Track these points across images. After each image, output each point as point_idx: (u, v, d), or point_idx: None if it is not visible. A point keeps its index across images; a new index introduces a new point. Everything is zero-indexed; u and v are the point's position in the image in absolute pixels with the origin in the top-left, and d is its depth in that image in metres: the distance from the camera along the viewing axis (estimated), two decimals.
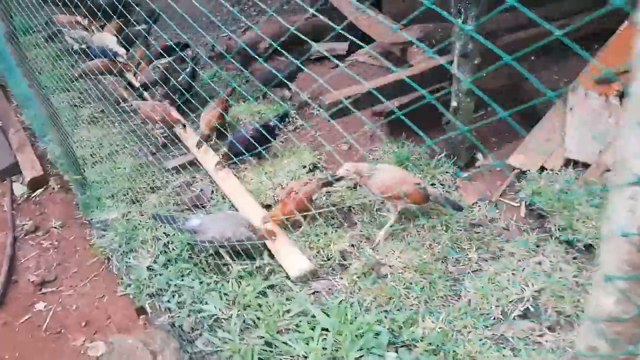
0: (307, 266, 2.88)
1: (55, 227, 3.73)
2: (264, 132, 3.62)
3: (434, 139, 3.20)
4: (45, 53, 5.90)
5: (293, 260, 2.93)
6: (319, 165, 3.77)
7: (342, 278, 2.88)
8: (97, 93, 4.87)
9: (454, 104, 3.37)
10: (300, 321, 2.58)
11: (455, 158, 3.59)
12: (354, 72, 5.00)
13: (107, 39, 5.35)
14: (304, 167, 3.71)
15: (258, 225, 3.02)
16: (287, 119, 3.92)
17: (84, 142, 4.38)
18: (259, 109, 4.46)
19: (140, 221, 3.40)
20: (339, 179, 3.36)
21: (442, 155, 3.63)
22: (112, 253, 3.27)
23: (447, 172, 3.54)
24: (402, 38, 4.12)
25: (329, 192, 3.49)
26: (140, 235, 3.30)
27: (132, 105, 4.28)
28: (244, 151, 3.67)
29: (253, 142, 3.61)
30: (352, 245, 3.03)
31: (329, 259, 2.99)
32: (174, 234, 3.29)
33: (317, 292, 2.83)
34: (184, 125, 4.15)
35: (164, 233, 3.31)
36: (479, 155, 3.67)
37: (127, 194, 3.71)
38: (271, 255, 3.02)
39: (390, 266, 2.86)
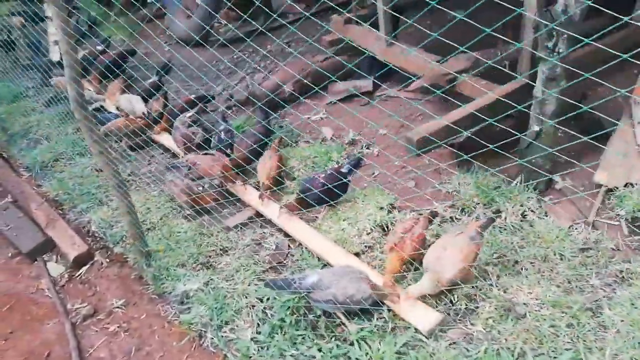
0: (437, 317, 2.67)
1: (118, 307, 3.34)
2: (337, 179, 3.47)
3: (505, 166, 3.18)
4: (48, 118, 5.52)
5: (419, 312, 2.71)
6: (395, 205, 3.59)
7: (473, 324, 2.69)
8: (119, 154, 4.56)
9: (535, 128, 3.32)
10: None
11: (534, 183, 3.51)
12: (388, 108, 4.94)
13: (133, 99, 5.04)
14: (381, 208, 3.53)
15: (374, 280, 2.78)
16: (360, 165, 3.73)
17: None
18: (308, 154, 4.27)
19: (226, 288, 3.09)
20: (435, 215, 3.22)
21: (517, 181, 3.55)
22: (204, 328, 2.93)
23: (530, 198, 3.45)
24: (451, 69, 4.08)
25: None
26: (232, 304, 2.99)
27: (185, 161, 3.96)
28: (316, 200, 3.49)
29: (327, 188, 3.45)
30: (474, 287, 2.84)
31: (453, 304, 2.79)
32: (268, 298, 3.00)
33: (454, 342, 2.61)
34: (245, 181, 3.88)
35: (257, 299, 3.02)
36: (557, 178, 3.61)
37: (197, 259, 3.39)
38: (387, 308, 2.79)
39: (524, 304, 2.69)
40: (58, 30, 2.46)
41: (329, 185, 3.44)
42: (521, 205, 3.37)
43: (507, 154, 2.82)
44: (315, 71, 5.22)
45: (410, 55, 4.55)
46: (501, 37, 2.24)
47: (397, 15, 4.69)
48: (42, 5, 8.44)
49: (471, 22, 2.18)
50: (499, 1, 2.03)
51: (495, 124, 2.50)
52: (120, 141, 4.82)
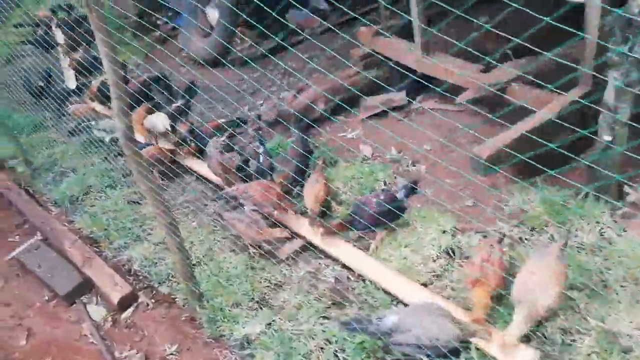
0: (534, 354, 2.43)
1: (172, 354, 3.12)
2: (391, 205, 3.25)
3: (571, 179, 2.96)
4: (72, 148, 5.34)
5: (504, 349, 2.47)
6: (458, 227, 3.37)
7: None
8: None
9: (606, 137, 3.10)
10: None
11: (605, 197, 3.28)
12: (424, 121, 4.73)
13: (158, 120, 4.82)
14: (444, 232, 3.30)
15: (459, 317, 2.55)
16: (416, 192, 3.49)
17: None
18: (351, 174, 4.05)
19: (291, 329, 2.86)
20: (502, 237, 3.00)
21: (582, 195, 3.32)
22: None
23: (603, 213, 3.22)
24: (500, 78, 3.87)
25: None
26: (299, 347, 2.77)
27: (234, 190, 3.71)
28: (370, 222, 3.27)
29: (382, 211, 3.22)
30: (566, 317, 2.61)
31: (546, 337, 2.56)
32: (337, 340, 2.78)
33: None
34: (295, 212, 3.65)
35: (326, 340, 2.79)
36: (627, 189, 3.38)
37: (252, 297, 3.17)
38: (475, 347, 2.56)
39: (628, 335, 2.45)
40: (106, 66, 2.26)
41: (388, 206, 3.20)
42: (597, 222, 3.14)
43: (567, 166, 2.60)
44: (346, 87, 5.02)
45: (450, 65, 4.36)
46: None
47: (426, 28, 4.50)
48: (51, 32, 8.35)
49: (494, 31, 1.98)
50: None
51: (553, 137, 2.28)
52: (152, 171, 4.60)
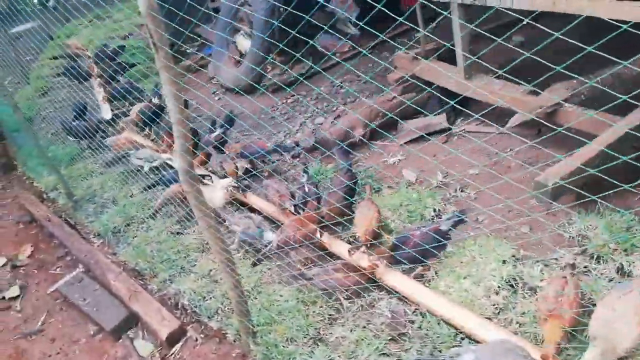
0: None
1: None
2: (434, 238, 3.13)
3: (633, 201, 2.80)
4: (111, 179, 5.36)
5: None
6: (518, 255, 3.23)
7: None
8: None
9: None
10: None
11: None
12: (466, 145, 4.62)
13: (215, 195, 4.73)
14: (504, 262, 3.17)
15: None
16: (464, 223, 3.37)
17: (216, 276, 3.73)
18: (399, 200, 3.95)
19: None
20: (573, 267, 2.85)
21: None
22: None
23: None
24: (548, 101, 3.76)
25: None
26: None
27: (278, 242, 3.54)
28: (409, 260, 3.16)
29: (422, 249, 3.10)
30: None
31: None
32: None
33: None
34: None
35: None
36: None
37: (307, 332, 3.06)
38: None
39: None
40: (171, 105, 2.24)
41: (425, 246, 3.08)
42: None
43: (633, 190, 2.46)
44: (384, 112, 4.96)
45: (495, 87, 4.27)
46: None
47: (468, 56, 4.43)
48: (81, 62, 8.53)
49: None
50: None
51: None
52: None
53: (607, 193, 2.10)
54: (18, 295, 4.48)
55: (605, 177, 2.08)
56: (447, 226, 3.29)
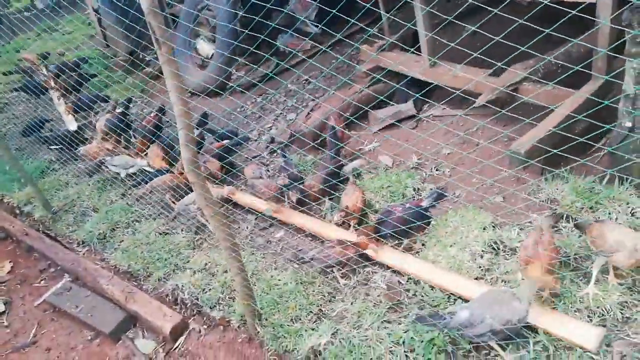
0: (600, 332, 2.55)
1: None
2: (417, 213, 3.37)
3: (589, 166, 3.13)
4: (87, 189, 5.32)
5: (577, 329, 2.58)
6: (496, 222, 3.50)
7: (637, 332, 2.57)
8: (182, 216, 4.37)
9: (627, 124, 3.31)
10: None
11: (628, 179, 3.48)
12: (435, 128, 4.90)
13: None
14: (484, 228, 3.43)
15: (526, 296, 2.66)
16: (443, 198, 3.61)
17: (212, 269, 3.82)
18: (380, 183, 4.16)
19: (357, 336, 2.92)
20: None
21: (607, 178, 3.51)
22: None
23: (631, 194, 3.40)
24: (509, 81, 4.08)
25: None
26: (368, 352, 2.82)
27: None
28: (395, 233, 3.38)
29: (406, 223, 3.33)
30: (620, 294, 2.74)
31: (607, 313, 2.68)
32: (404, 341, 2.84)
33: (624, 355, 2.49)
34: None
35: (394, 343, 2.85)
36: None
37: (310, 310, 3.21)
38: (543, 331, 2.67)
39: None
40: (180, 124, 2.36)
41: (413, 220, 3.31)
42: (627, 204, 3.32)
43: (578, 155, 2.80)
44: (354, 103, 5.18)
45: (459, 72, 4.56)
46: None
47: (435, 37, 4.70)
48: (39, 77, 8.34)
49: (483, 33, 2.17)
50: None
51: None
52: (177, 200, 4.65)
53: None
54: (3, 312, 4.40)
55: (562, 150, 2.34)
56: (429, 202, 3.52)
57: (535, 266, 2.73)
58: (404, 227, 3.29)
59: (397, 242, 3.46)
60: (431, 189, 3.91)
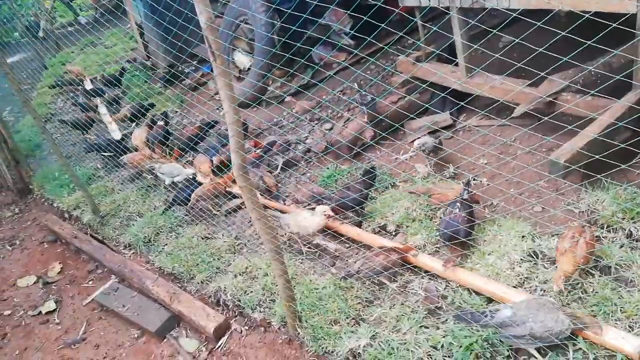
0: None
1: None
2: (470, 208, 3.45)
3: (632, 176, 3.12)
4: (132, 195, 5.56)
5: (618, 338, 2.59)
6: (535, 232, 3.51)
7: None
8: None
9: None
10: None
11: None
12: (471, 138, 4.93)
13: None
14: (523, 237, 3.45)
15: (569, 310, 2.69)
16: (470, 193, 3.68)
17: (253, 272, 3.95)
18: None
19: (396, 340, 2.99)
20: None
21: None
22: None
23: None
24: (549, 90, 4.10)
25: None
26: (407, 356, 2.89)
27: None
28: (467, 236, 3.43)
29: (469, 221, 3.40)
30: None
31: None
32: (443, 345, 2.89)
33: None
34: None
35: (432, 347, 2.91)
36: None
37: (348, 314, 3.30)
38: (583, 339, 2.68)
39: None
40: (227, 107, 2.51)
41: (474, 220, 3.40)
42: None
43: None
44: (390, 113, 5.27)
45: (496, 83, 4.60)
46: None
47: (472, 46, 4.77)
48: (83, 89, 8.76)
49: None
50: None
51: None
52: (220, 207, 4.84)
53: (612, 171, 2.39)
54: (54, 310, 4.64)
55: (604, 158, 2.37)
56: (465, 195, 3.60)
57: (569, 259, 2.77)
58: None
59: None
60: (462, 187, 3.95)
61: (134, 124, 7.19)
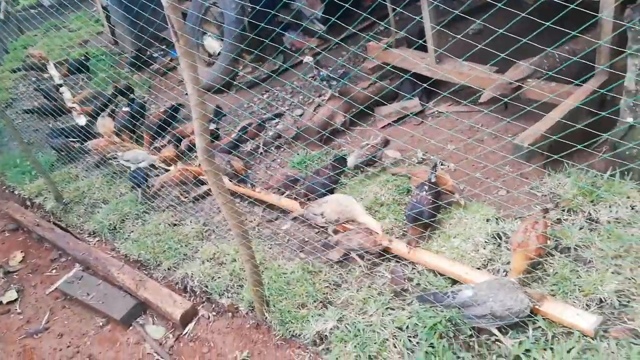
0: (597, 318, 2.63)
1: (245, 359, 3.22)
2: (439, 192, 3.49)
3: (593, 160, 3.22)
4: (98, 181, 5.43)
5: (576, 316, 2.67)
6: (499, 215, 3.58)
7: (632, 319, 2.66)
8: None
9: (628, 120, 3.39)
10: None
11: (629, 173, 3.55)
12: (440, 124, 4.98)
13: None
14: (488, 220, 3.51)
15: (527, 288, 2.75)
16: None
17: (221, 258, 3.92)
18: (386, 177, 4.25)
19: (362, 322, 3.01)
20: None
21: (609, 173, 3.59)
22: None
23: (631, 188, 3.48)
24: (516, 77, 4.16)
25: None
26: (373, 337, 2.91)
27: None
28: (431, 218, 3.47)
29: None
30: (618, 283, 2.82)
31: (603, 301, 2.76)
32: (408, 326, 2.93)
33: (620, 340, 2.57)
34: None
35: (398, 328, 2.95)
36: None
37: (316, 297, 3.31)
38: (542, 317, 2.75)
39: None
40: (190, 89, 2.46)
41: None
42: (627, 198, 3.40)
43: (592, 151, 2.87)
44: (361, 99, 5.27)
45: (464, 69, 4.64)
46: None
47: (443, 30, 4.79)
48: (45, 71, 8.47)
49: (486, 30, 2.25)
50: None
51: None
52: (188, 193, 4.77)
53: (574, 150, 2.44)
54: (16, 299, 4.51)
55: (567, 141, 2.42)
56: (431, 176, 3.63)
57: (522, 253, 2.84)
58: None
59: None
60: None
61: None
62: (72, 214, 5.12)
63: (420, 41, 5.13)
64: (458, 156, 4.40)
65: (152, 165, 5.20)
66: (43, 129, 6.74)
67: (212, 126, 5.27)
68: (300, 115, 5.82)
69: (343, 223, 3.71)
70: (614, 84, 3.42)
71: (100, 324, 3.99)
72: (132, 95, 6.66)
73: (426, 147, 4.61)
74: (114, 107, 6.43)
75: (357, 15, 2.92)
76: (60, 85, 7.54)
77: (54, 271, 4.78)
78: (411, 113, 5.23)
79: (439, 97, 5.35)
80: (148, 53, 8.59)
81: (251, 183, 4.48)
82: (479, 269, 3.21)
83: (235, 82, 6.76)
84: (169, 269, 4.02)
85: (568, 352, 2.54)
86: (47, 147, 6.36)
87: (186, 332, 3.60)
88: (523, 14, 2.44)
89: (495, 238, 3.39)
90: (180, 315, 3.58)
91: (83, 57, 8.26)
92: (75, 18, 11.38)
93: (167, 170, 5.02)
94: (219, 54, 7.12)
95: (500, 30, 2.33)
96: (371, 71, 5.55)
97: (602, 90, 3.63)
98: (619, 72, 3.51)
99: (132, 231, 4.57)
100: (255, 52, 6.54)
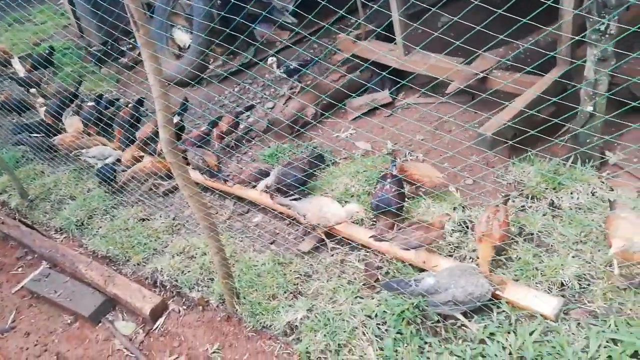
0: (559, 301, 2.72)
1: (215, 352, 3.23)
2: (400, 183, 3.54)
3: (555, 148, 3.31)
4: (64, 177, 5.32)
5: (538, 299, 2.74)
6: (465, 203, 3.65)
7: (592, 301, 2.75)
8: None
9: (589, 108, 3.48)
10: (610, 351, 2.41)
11: (590, 161, 3.66)
12: (409, 115, 5.04)
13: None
14: (454, 208, 3.58)
15: (487, 274, 2.82)
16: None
17: (191, 252, 3.89)
18: (356, 168, 4.28)
19: (332, 311, 3.04)
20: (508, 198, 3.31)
21: (571, 161, 3.69)
22: (324, 355, 2.87)
23: (592, 175, 3.58)
24: (481, 68, 4.23)
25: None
26: (342, 326, 2.94)
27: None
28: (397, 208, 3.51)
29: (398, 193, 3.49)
30: (578, 267, 2.91)
31: (564, 285, 2.85)
32: (377, 314, 2.97)
33: (580, 322, 2.66)
34: None
35: (366, 316, 2.98)
36: (609, 153, 3.78)
37: (287, 288, 3.32)
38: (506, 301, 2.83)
39: (638, 274, 2.78)
40: (152, 80, 2.43)
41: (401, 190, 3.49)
42: (588, 184, 3.50)
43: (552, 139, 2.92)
44: (332, 92, 5.28)
45: (432, 61, 4.70)
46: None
47: (410, 23, 4.83)
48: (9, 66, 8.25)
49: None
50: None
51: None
52: (157, 187, 4.71)
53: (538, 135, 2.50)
54: None
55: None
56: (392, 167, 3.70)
57: (488, 243, 2.90)
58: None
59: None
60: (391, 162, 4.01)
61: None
62: (38, 211, 5.00)
63: (392, 36, 5.16)
64: (426, 147, 4.45)
65: (119, 160, 5.11)
66: (7, 125, 6.54)
67: (177, 118, 5.19)
68: (271, 109, 5.80)
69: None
70: (574, 74, 3.51)
71: (69, 321, 3.92)
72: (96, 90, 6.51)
73: (396, 139, 4.66)
74: (79, 103, 6.27)
75: (328, 9, 2.91)
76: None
77: (20, 269, 4.67)
78: (380, 105, 5.27)
79: (409, 89, 5.41)
80: (115, 47, 8.41)
81: (224, 178, 4.45)
82: (446, 256, 3.27)
83: (205, 76, 6.68)
84: (138, 264, 3.97)
85: (530, 334, 2.61)
86: (11, 144, 6.18)
87: (156, 327, 3.57)
88: (492, 8, 2.46)
89: (461, 225, 3.45)
90: (150, 310, 3.55)
91: (47, 52, 8.02)
92: (39, 11, 11.06)
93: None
94: (188, 47, 7.02)
95: (468, 23, 2.36)
96: (341, 64, 5.56)
97: (562, 80, 3.73)
98: (580, 62, 3.61)
99: (100, 227, 4.49)
100: (228, 46, 6.48)
